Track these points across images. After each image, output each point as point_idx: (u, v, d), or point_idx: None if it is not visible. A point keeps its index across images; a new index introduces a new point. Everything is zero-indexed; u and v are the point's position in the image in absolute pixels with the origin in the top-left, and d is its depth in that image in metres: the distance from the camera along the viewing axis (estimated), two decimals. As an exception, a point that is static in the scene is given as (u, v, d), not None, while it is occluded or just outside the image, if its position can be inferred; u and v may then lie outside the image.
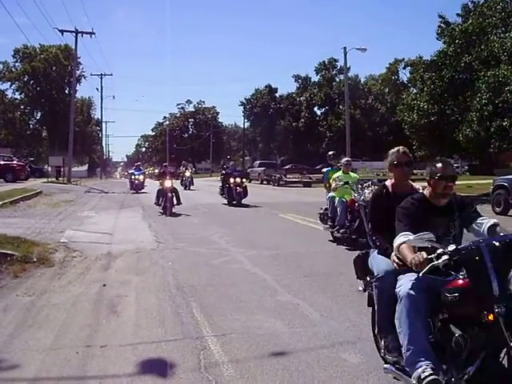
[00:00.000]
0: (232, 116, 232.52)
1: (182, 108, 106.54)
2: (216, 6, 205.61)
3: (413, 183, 4.29)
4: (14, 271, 7.23)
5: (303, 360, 4.17)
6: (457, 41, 23.63)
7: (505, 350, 2.84)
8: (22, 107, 62.31)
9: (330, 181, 10.45)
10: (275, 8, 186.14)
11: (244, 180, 19.62)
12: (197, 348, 4.46)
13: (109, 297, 6.22)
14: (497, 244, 2.90)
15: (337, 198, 10.13)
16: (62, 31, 37.14)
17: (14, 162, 34.13)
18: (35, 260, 7.95)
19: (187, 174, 32.99)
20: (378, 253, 3.86)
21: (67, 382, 3.92)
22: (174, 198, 16.00)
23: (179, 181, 31.24)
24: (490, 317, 2.76)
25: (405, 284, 3.28)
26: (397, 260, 3.46)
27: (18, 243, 8.70)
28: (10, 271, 7.22)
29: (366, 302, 4.09)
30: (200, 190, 31.28)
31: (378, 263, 3.77)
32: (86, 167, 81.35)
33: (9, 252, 7.91)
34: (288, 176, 42.04)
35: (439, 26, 25.80)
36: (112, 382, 3.89)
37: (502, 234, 3.29)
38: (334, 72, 53.19)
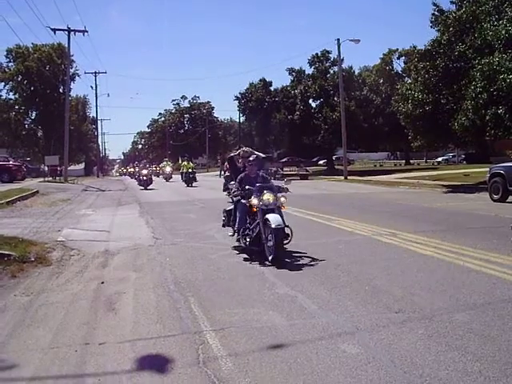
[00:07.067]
0: (227, 111, 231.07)
1: (177, 104, 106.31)
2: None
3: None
4: (11, 271, 7.22)
5: (302, 352, 4.17)
6: (451, 29, 23.49)
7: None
8: (16, 107, 61.81)
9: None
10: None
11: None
12: (195, 343, 4.46)
13: (107, 294, 6.21)
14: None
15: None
16: (54, 30, 36.95)
17: (11, 162, 34.14)
18: (33, 259, 7.94)
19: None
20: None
21: (66, 380, 3.91)
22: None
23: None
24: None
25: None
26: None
27: (15, 243, 8.70)
28: (8, 271, 7.21)
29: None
30: (198, 187, 31.31)
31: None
32: (82, 166, 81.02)
33: (6, 252, 7.90)
34: (285, 169, 42.17)
35: (433, 14, 25.63)
36: (111, 379, 3.87)
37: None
38: (328, 64, 52.82)
